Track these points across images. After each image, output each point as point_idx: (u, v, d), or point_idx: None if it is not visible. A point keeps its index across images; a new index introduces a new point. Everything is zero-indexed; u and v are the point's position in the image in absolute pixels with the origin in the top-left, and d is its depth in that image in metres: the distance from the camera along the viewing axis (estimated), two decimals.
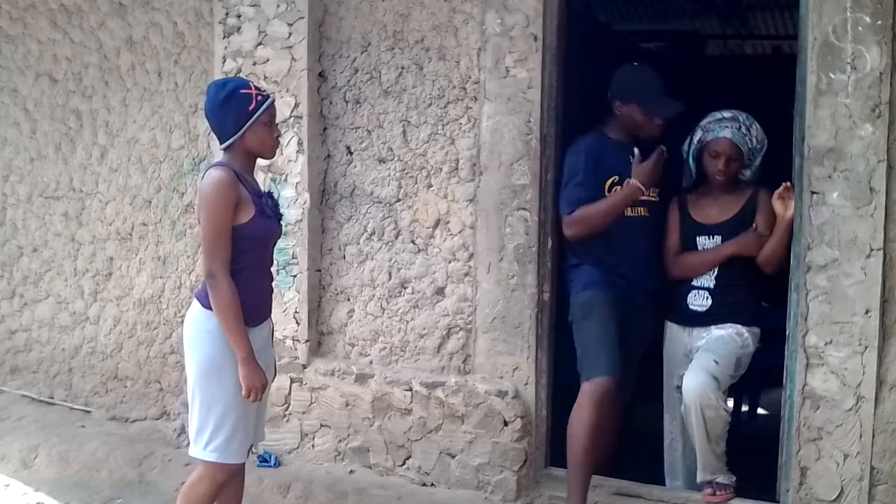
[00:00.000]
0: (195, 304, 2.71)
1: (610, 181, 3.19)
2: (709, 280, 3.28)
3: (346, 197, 3.77)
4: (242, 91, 2.68)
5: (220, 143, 2.73)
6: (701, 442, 3.10)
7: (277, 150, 2.96)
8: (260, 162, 3.76)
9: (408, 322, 3.67)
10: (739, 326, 3.22)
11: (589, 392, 3.06)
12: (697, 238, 3.30)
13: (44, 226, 4.62)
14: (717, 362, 3.13)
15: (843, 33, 2.86)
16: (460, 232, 3.55)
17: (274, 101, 2.77)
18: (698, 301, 3.28)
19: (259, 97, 2.68)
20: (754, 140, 3.26)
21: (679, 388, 3.21)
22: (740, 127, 3.24)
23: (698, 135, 3.32)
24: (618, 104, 3.21)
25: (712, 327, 3.24)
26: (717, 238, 3.27)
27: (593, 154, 3.21)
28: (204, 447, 2.65)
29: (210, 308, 2.62)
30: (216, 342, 2.63)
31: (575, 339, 3.23)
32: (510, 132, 3.40)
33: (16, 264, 4.72)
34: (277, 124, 3.73)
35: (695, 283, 3.29)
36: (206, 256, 2.61)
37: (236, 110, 2.66)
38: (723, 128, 3.24)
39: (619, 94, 3.22)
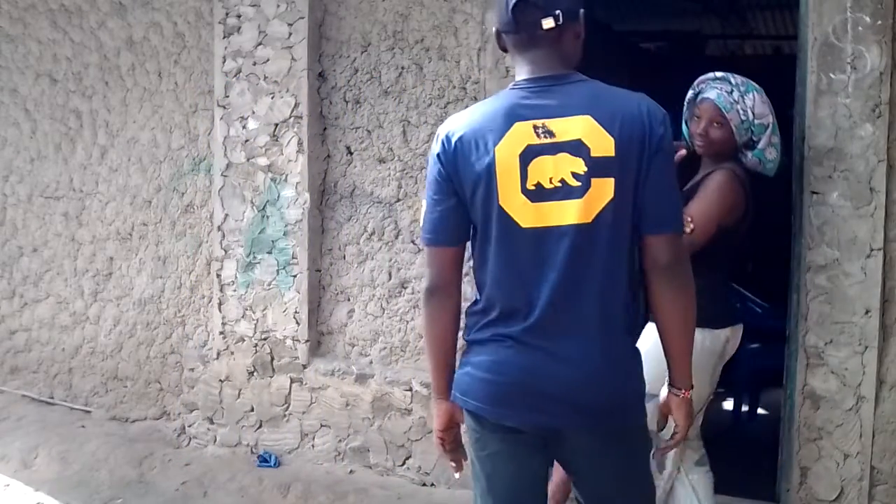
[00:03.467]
0: None
1: None
2: None
3: (345, 197, 3.77)
4: None
5: None
6: None
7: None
8: (259, 162, 3.82)
9: (408, 322, 3.67)
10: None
11: None
12: None
13: (44, 226, 4.62)
14: None
15: (843, 33, 2.85)
16: None
17: None
18: None
19: None
20: (748, 111, 2.70)
21: None
22: (732, 91, 2.74)
23: (689, 95, 2.89)
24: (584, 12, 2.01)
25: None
26: None
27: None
28: None
29: None
30: None
31: None
32: None
33: (16, 264, 4.72)
34: (278, 124, 3.79)
35: None
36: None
37: None
38: (711, 88, 2.78)
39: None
